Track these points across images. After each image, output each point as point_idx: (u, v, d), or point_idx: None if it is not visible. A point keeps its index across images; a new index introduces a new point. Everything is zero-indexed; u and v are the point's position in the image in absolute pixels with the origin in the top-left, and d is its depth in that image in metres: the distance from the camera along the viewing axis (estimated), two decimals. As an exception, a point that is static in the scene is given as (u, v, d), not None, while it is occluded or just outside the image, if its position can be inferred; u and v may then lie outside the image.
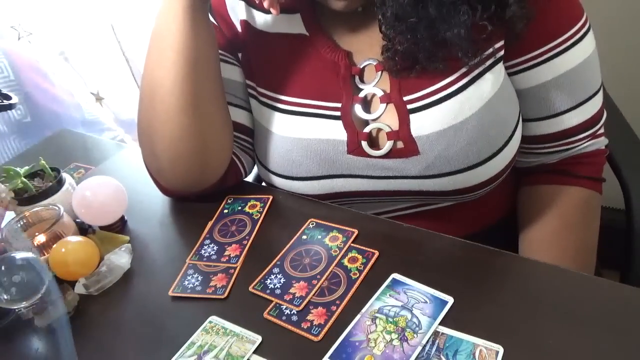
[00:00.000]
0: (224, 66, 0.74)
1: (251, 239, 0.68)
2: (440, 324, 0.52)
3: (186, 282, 0.63)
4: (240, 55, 0.76)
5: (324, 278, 0.60)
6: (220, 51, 0.73)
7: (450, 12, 0.58)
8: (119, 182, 0.75)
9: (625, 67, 1.21)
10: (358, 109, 0.68)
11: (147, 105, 0.69)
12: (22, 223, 0.71)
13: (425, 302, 0.54)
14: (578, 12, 0.66)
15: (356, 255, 0.62)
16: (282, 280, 0.60)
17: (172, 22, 0.65)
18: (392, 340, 0.51)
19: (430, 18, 0.59)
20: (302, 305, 0.57)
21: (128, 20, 1.60)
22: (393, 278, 0.58)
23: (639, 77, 1.25)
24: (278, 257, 0.64)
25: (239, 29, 0.75)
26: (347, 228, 0.66)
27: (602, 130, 0.74)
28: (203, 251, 0.67)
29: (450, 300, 0.54)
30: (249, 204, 0.74)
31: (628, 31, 1.23)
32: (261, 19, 0.73)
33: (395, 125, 0.66)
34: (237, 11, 0.75)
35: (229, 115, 0.74)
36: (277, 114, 0.72)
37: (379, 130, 0.67)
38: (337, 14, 0.66)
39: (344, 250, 0.62)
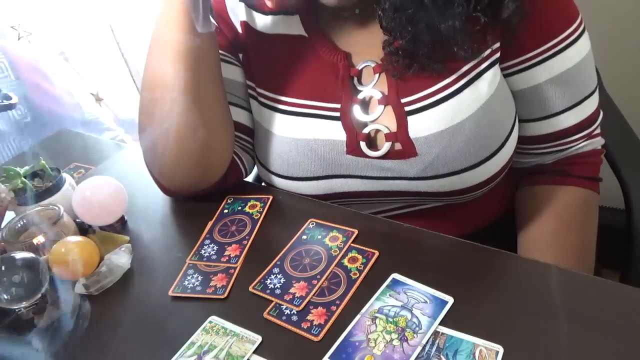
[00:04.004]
0: (225, 66, 0.74)
1: (251, 239, 0.68)
2: (440, 324, 0.52)
3: (186, 282, 0.63)
4: (241, 56, 0.76)
5: (324, 278, 0.60)
6: (221, 51, 0.73)
7: (445, 4, 0.59)
8: (119, 182, 0.75)
9: (625, 67, 1.21)
10: (357, 110, 0.68)
11: (148, 105, 0.69)
12: (22, 223, 0.71)
13: (425, 302, 0.54)
14: (573, 14, 0.66)
15: (356, 255, 0.62)
16: (282, 280, 0.60)
17: (172, 22, 0.65)
18: (392, 340, 0.51)
19: (426, 9, 0.59)
20: (302, 305, 0.57)
21: (127, 21, 1.60)
22: (393, 278, 0.58)
23: (639, 77, 1.25)
24: (278, 257, 0.64)
25: (239, 30, 0.75)
26: (347, 228, 0.66)
27: (598, 131, 0.74)
28: (203, 251, 0.67)
29: (450, 300, 0.54)
30: (249, 204, 0.74)
31: (628, 31, 1.23)
32: (261, 21, 0.73)
33: (393, 127, 0.66)
34: (237, 12, 0.75)
35: (230, 115, 0.74)
36: (276, 115, 0.72)
37: (377, 131, 0.67)
38: (335, 15, 0.67)
39: (344, 250, 0.63)
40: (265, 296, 0.59)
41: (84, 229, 0.74)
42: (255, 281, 0.61)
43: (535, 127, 0.71)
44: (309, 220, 0.68)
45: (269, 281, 0.61)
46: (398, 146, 0.66)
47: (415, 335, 0.51)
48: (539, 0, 0.63)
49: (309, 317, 0.56)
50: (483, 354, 0.49)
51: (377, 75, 0.68)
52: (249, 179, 0.83)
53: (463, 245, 0.61)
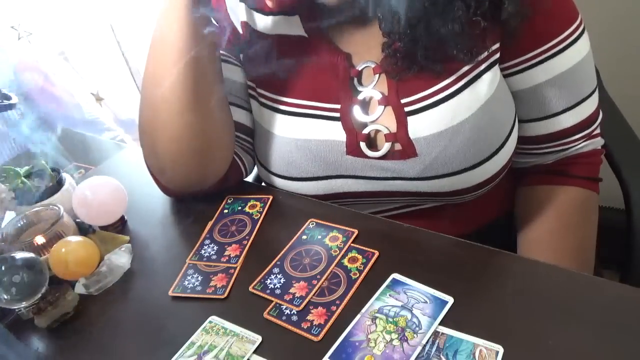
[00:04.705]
0: (225, 66, 0.74)
1: (251, 239, 0.68)
2: (440, 324, 0.52)
3: (186, 282, 0.63)
4: (241, 56, 0.76)
5: (324, 278, 0.60)
6: (221, 51, 0.73)
7: (445, 8, 0.59)
8: (119, 182, 0.75)
9: (625, 67, 1.21)
10: (357, 111, 0.68)
11: (149, 105, 0.69)
12: (22, 223, 0.71)
13: (425, 302, 0.54)
14: (573, 14, 0.66)
15: (356, 255, 0.62)
16: (282, 280, 0.60)
17: (173, 22, 0.65)
18: (392, 340, 0.51)
19: (426, 13, 0.59)
20: (302, 305, 0.57)
21: (127, 20, 1.60)
22: (393, 278, 0.58)
23: (639, 77, 1.25)
24: (278, 257, 0.64)
25: (240, 30, 0.75)
26: (347, 228, 0.66)
27: (598, 131, 0.74)
28: (203, 251, 0.67)
29: (450, 300, 0.54)
30: (249, 204, 0.74)
31: (628, 31, 1.23)
32: (261, 21, 0.73)
33: (393, 127, 0.66)
34: (237, 12, 0.75)
35: (231, 115, 0.74)
36: (277, 115, 0.72)
37: (377, 131, 0.67)
38: (335, 15, 0.67)
39: (344, 250, 0.63)
40: (265, 296, 0.59)
41: (84, 229, 0.74)
42: (255, 281, 0.61)
43: (535, 127, 0.71)
44: (309, 220, 0.68)
45: (269, 281, 0.61)
46: (398, 146, 0.66)
47: (415, 335, 0.51)
48: (539, 1, 0.63)
49: (309, 317, 0.56)
50: (483, 354, 0.49)
51: (377, 75, 0.68)
52: (249, 179, 0.83)
53: (463, 245, 0.61)
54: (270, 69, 0.73)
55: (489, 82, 0.65)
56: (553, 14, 0.65)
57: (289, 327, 0.55)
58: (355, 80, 0.69)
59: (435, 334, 0.51)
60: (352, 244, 0.63)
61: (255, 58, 0.75)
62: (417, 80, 0.65)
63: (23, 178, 0.76)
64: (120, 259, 0.67)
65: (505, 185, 0.75)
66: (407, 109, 0.65)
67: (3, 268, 0.59)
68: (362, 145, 0.67)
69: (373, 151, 0.67)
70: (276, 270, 0.62)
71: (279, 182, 0.75)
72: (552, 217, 0.72)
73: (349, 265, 0.61)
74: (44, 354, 0.59)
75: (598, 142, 0.75)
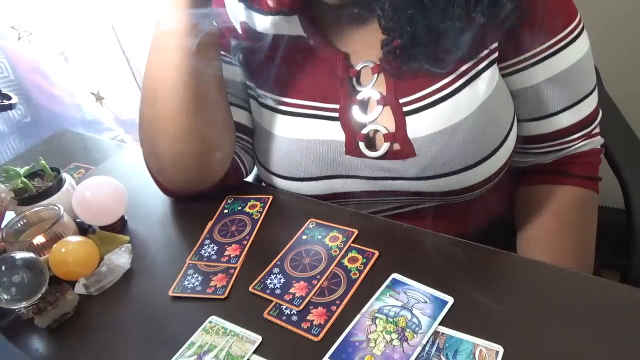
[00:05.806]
0: (225, 66, 0.74)
1: (251, 239, 0.68)
2: (440, 324, 0.52)
3: (186, 282, 0.63)
4: (240, 56, 0.76)
5: (324, 278, 0.60)
6: (221, 52, 0.73)
7: (445, 4, 0.59)
8: (119, 182, 0.75)
9: (625, 67, 1.21)
10: (355, 111, 0.68)
11: (149, 105, 0.69)
12: (22, 223, 0.71)
13: (425, 302, 0.54)
14: (572, 13, 0.66)
15: (356, 255, 0.62)
16: (282, 280, 0.60)
17: (173, 22, 0.65)
18: (392, 340, 0.51)
19: (425, 9, 0.59)
20: (302, 305, 0.57)
21: (128, 20, 1.60)
22: (393, 278, 0.58)
23: (639, 77, 1.25)
24: (278, 257, 0.64)
25: (239, 30, 0.75)
26: (347, 228, 0.66)
27: (597, 130, 0.74)
28: (203, 251, 0.67)
29: (450, 300, 0.54)
30: (249, 204, 0.74)
31: (628, 31, 1.23)
32: (260, 21, 0.73)
33: (391, 127, 0.66)
34: (236, 13, 0.75)
35: (231, 116, 0.74)
36: (276, 115, 0.72)
37: (376, 131, 0.67)
38: (334, 15, 0.67)
39: (344, 250, 0.63)
40: (265, 296, 0.59)
41: (84, 229, 0.74)
42: (255, 281, 0.61)
43: (533, 126, 0.71)
44: (309, 220, 0.68)
45: (269, 281, 0.61)
46: (397, 146, 0.66)
47: (415, 335, 0.51)
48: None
49: (309, 317, 0.56)
50: (483, 354, 0.49)
51: (375, 75, 0.68)
52: (249, 179, 0.83)
53: (463, 245, 0.61)
54: (269, 69, 0.73)
55: (487, 81, 0.65)
56: (552, 12, 0.65)
57: (289, 327, 0.55)
58: (354, 80, 0.69)
59: (435, 334, 0.51)
60: (352, 244, 0.63)
61: (255, 58, 0.75)
62: (416, 80, 0.65)
63: (23, 178, 0.76)
64: (120, 259, 0.67)
65: (504, 184, 0.75)
66: (405, 108, 0.65)
67: (3, 268, 0.59)
68: (361, 145, 0.67)
69: (372, 151, 0.67)
70: (276, 270, 0.62)
71: (279, 182, 0.75)
72: (551, 216, 0.72)
73: (349, 265, 0.61)
74: (44, 354, 0.59)
75: (597, 142, 0.75)
